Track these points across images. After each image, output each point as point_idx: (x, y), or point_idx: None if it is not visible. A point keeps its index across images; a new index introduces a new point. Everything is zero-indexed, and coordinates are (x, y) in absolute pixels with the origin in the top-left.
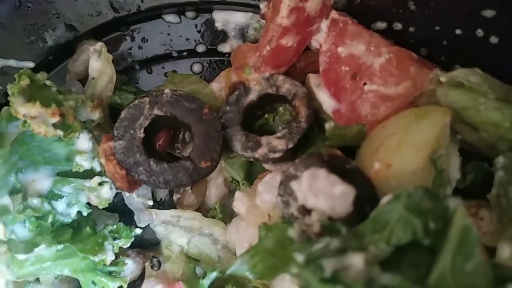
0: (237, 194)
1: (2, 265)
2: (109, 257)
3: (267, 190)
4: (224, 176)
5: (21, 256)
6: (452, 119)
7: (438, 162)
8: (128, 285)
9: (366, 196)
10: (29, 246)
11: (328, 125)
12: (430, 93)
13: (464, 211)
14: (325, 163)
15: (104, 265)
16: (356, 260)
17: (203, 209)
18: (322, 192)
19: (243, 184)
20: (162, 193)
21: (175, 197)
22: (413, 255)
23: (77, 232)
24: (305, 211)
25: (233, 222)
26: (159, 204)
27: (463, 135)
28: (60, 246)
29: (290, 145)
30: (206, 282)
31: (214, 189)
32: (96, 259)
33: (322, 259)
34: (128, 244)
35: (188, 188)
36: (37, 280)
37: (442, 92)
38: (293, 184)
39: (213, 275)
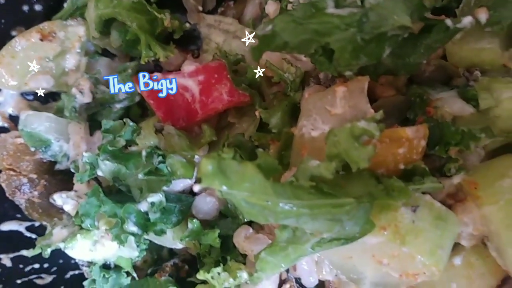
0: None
1: None
2: (168, 19)
3: None
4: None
5: None
6: None
7: None
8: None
9: None
10: None
11: None
12: None
13: None
14: None
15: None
16: None
17: None
18: None
19: None
20: (210, 5)
21: (220, 10)
22: None
23: None
24: None
25: None
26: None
27: None
28: None
29: None
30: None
31: (251, 8)
32: (159, 15)
33: None
34: (179, 35)
35: (231, 2)
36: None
37: None
38: None
39: None
